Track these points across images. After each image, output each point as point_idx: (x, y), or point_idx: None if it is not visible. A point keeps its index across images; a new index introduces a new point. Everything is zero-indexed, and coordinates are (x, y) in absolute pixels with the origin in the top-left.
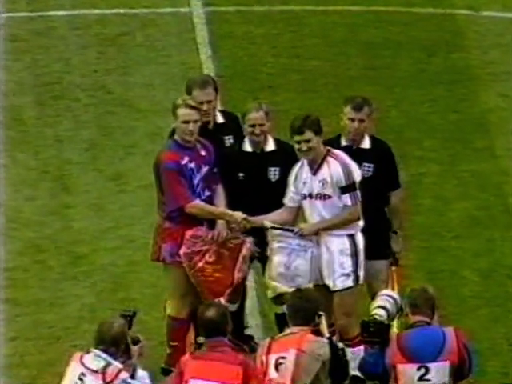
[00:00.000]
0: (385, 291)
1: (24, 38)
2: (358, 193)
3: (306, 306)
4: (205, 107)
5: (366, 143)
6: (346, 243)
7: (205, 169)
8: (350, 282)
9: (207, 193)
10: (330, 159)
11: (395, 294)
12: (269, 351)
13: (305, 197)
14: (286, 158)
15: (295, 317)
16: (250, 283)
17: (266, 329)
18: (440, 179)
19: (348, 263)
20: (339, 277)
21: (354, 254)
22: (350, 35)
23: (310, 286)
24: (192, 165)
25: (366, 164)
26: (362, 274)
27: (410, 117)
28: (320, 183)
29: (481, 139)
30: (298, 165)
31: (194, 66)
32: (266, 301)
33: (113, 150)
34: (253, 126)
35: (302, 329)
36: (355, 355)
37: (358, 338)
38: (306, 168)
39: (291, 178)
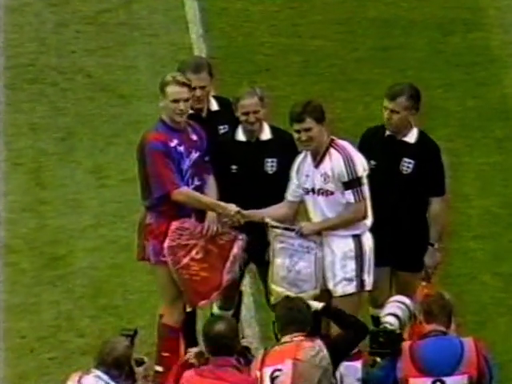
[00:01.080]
0: (396, 297)
1: None
2: (364, 188)
3: (299, 317)
4: (198, 93)
5: (412, 137)
6: (350, 244)
7: (195, 155)
8: (351, 288)
9: (197, 182)
10: (332, 151)
11: (407, 300)
12: (263, 365)
13: (307, 191)
14: (283, 147)
15: (287, 329)
16: (246, 288)
17: (264, 339)
18: (457, 173)
19: (351, 266)
20: (340, 281)
21: (359, 257)
22: (358, 12)
23: (317, 292)
24: (181, 148)
25: (407, 159)
26: (368, 279)
27: (424, 102)
28: (322, 177)
29: (503, 128)
30: (302, 155)
31: (183, 46)
32: (263, 308)
33: (92, 139)
34: (246, 113)
35: (296, 336)
36: (350, 371)
37: (357, 352)
38: (309, 160)
39: (293, 169)
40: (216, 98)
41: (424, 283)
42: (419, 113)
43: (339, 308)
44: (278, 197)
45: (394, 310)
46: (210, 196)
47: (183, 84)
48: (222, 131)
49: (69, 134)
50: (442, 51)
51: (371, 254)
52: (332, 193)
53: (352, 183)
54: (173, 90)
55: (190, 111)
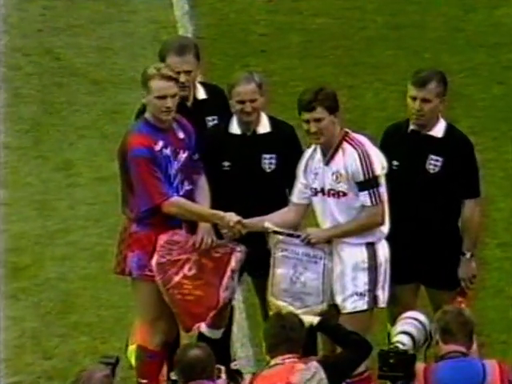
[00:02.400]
0: (409, 313)
1: None
2: (382, 189)
3: (292, 335)
4: (182, 79)
5: (439, 130)
6: (362, 254)
7: (183, 155)
8: (362, 304)
9: (187, 186)
10: (345, 146)
11: (423, 317)
12: None
13: (316, 192)
14: (283, 142)
15: (278, 349)
16: (238, 304)
17: (260, 361)
18: (482, 170)
19: (363, 280)
20: (351, 296)
21: (373, 269)
22: None
23: (323, 307)
24: (168, 151)
25: (434, 157)
26: (383, 295)
27: None
28: (333, 176)
29: None
30: (310, 151)
31: (166, 24)
32: (258, 326)
33: (61, 131)
34: (242, 101)
35: (288, 357)
36: None
37: (364, 374)
38: (319, 156)
39: (300, 167)
40: (203, 84)
41: (460, 298)
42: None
43: (338, 323)
44: (276, 199)
45: (407, 327)
46: (203, 202)
47: (169, 78)
48: (210, 122)
49: (34, 126)
50: (463, 30)
51: (387, 266)
52: (344, 194)
53: (368, 183)
54: (158, 84)
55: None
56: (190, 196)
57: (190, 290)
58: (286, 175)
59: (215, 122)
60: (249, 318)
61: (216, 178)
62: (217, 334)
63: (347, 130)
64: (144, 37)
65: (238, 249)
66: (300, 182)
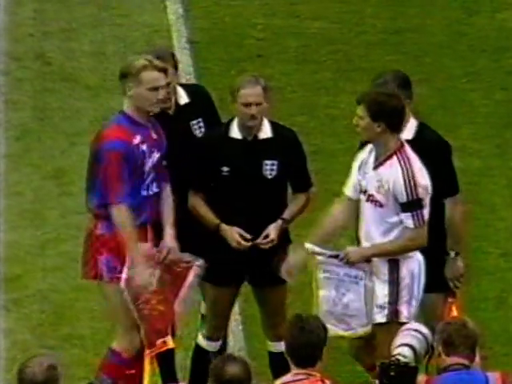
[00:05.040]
0: (410, 324)
1: None
2: (425, 212)
3: (311, 339)
4: (161, 94)
5: (409, 132)
6: (384, 267)
7: (156, 155)
8: (380, 317)
9: (155, 189)
10: (394, 159)
11: (424, 329)
12: None
13: (361, 191)
14: (285, 147)
15: (298, 355)
16: (235, 315)
17: (258, 374)
18: (484, 178)
19: (383, 292)
20: (373, 308)
21: (394, 283)
22: None
23: (368, 329)
24: (144, 147)
25: None
26: (407, 310)
27: (445, 95)
28: (377, 183)
29: None
30: (368, 149)
31: (159, 28)
32: (255, 338)
33: (52, 138)
34: (248, 104)
35: (310, 374)
36: None
37: None
38: (373, 158)
39: (356, 164)
40: (184, 86)
41: (450, 299)
42: (413, 102)
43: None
44: (278, 205)
45: (408, 339)
46: (166, 213)
47: (161, 69)
48: (195, 126)
49: (24, 133)
50: (465, 34)
51: (414, 282)
52: (381, 205)
53: (412, 205)
54: (150, 76)
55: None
56: (156, 200)
57: (154, 305)
58: (286, 181)
59: (200, 124)
60: (245, 329)
61: (214, 184)
62: (214, 346)
63: (405, 143)
64: (137, 41)
65: (197, 263)
66: (354, 175)
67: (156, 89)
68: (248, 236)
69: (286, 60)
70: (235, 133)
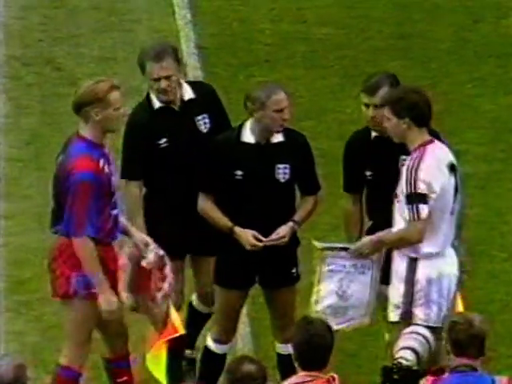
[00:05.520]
0: (412, 327)
1: None
2: (423, 208)
3: (319, 343)
4: (162, 85)
5: None
6: (402, 265)
7: (114, 171)
8: (393, 316)
9: (119, 204)
10: (413, 153)
11: (427, 332)
12: None
13: None
14: (297, 151)
15: (305, 358)
16: (242, 317)
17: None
18: (490, 182)
19: (399, 291)
20: (390, 305)
21: (410, 283)
22: None
23: (366, 321)
24: (107, 168)
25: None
26: (422, 312)
27: (450, 100)
28: (400, 180)
29: None
30: None
31: (168, 34)
32: (262, 338)
33: (61, 143)
34: (281, 110)
35: (317, 376)
36: None
37: None
38: None
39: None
40: (190, 83)
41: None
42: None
43: None
44: (288, 209)
45: (410, 343)
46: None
47: (119, 87)
48: (200, 121)
49: (34, 137)
50: (471, 40)
51: (432, 286)
52: (399, 200)
53: (410, 198)
54: (115, 96)
55: (159, 105)
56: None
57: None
58: (297, 185)
59: (205, 120)
60: (253, 331)
61: (227, 187)
62: (223, 348)
63: (435, 141)
64: (146, 46)
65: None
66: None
67: (119, 108)
68: (262, 238)
69: (294, 65)
70: (248, 137)
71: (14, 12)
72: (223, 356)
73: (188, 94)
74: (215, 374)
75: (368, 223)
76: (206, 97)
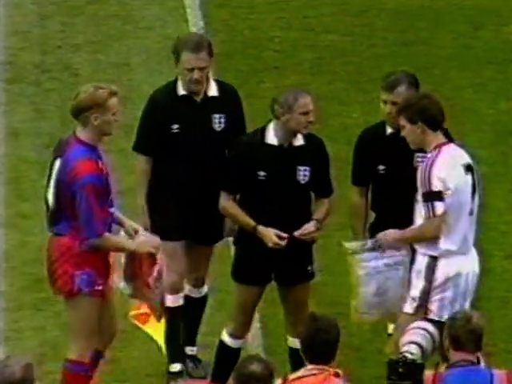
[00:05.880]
0: (418, 323)
1: None
2: (438, 205)
3: (327, 338)
4: (196, 75)
5: None
6: (423, 263)
7: (109, 170)
8: (409, 308)
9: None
10: (428, 155)
11: (431, 327)
12: None
13: None
14: (316, 154)
15: (313, 353)
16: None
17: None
18: (490, 184)
19: (418, 286)
20: (408, 297)
21: (428, 280)
22: (376, 2)
23: (398, 310)
24: (104, 168)
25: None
26: (437, 308)
27: (452, 105)
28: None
29: None
30: None
31: None
32: (272, 335)
33: None
34: (307, 113)
35: (323, 368)
36: None
37: None
38: None
39: None
40: (217, 82)
41: None
42: None
43: None
44: (306, 209)
45: (415, 337)
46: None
47: (117, 93)
48: (216, 119)
49: (53, 140)
50: (472, 47)
51: (448, 284)
52: (417, 200)
53: (426, 196)
54: (114, 102)
55: (183, 92)
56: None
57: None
58: (314, 187)
59: (222, 120)
60: (263, 327)
61: (250, 186)
62: (238, 343)
63: (450, 143)
64: (159, 52)
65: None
66: None
67: (116, 113)
68: (284, 235)
69: (302, 71)
70: (271, 139)
71: (33, 20)
72: (238, 350)
73: (212, 90)
74: (230, 368)
75: (372, 217)
76: (228, 97)
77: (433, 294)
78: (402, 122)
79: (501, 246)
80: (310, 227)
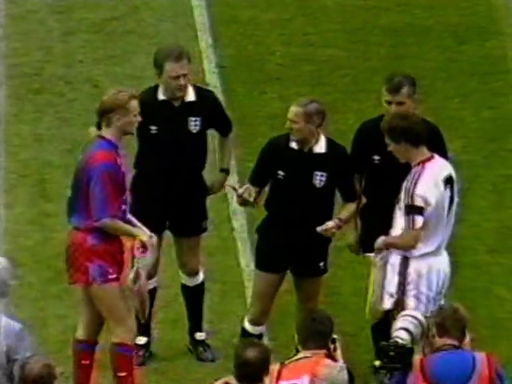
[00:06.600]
0: (408, 311)
1: None
2: (419, 218)
3: (321, 329)
4: (182, 82)
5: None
6: (397, 260)
7: (127, 171)
8: (388, 304)
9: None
10: (413, 170)
11: (419, 315)
12: (278, 378)
13: None
14: (337, 162)
15: (308, 341)
16: None
17: (275, 353)
18: (473, 185)
19: (394, 281)
20: (386, 293)
21: (402, 276)
22: (370, 20)
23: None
24: (123, 168)
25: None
26: (413, 302)
27: (438, 113)
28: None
29: None
30: None
31: (192, 55)
32: (276, 323)
33: None
34: (291, 121)
35: (316, 352)
36: None
37: None
38: None
39: None
40: (195, 87)
41: None
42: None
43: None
44: (326, 213)
45: (406, 324)
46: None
47: (136, 96)
48: (192, 122)
49: (75, 146)
50: (457, 60)
51: (421, 280)
52: (400, 208)
53: (409, 209)
54: (134, 104)
55: (163, 98)
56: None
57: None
58: (334, 192)
59: (197, 122)
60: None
61: (271, 183)
62: (259, 329)
63: (435, 158)
64: None
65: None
66: None
67: (136, 115)
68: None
69: (301, 83)
70: (294, 144)
71: (57, 36)
72: (259, 336)
73: (190, 96)
74: None
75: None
76: (204, 102)
77: (408, 289)
78: (388, 141)
79: (484, 241)
80: (331, 224)
